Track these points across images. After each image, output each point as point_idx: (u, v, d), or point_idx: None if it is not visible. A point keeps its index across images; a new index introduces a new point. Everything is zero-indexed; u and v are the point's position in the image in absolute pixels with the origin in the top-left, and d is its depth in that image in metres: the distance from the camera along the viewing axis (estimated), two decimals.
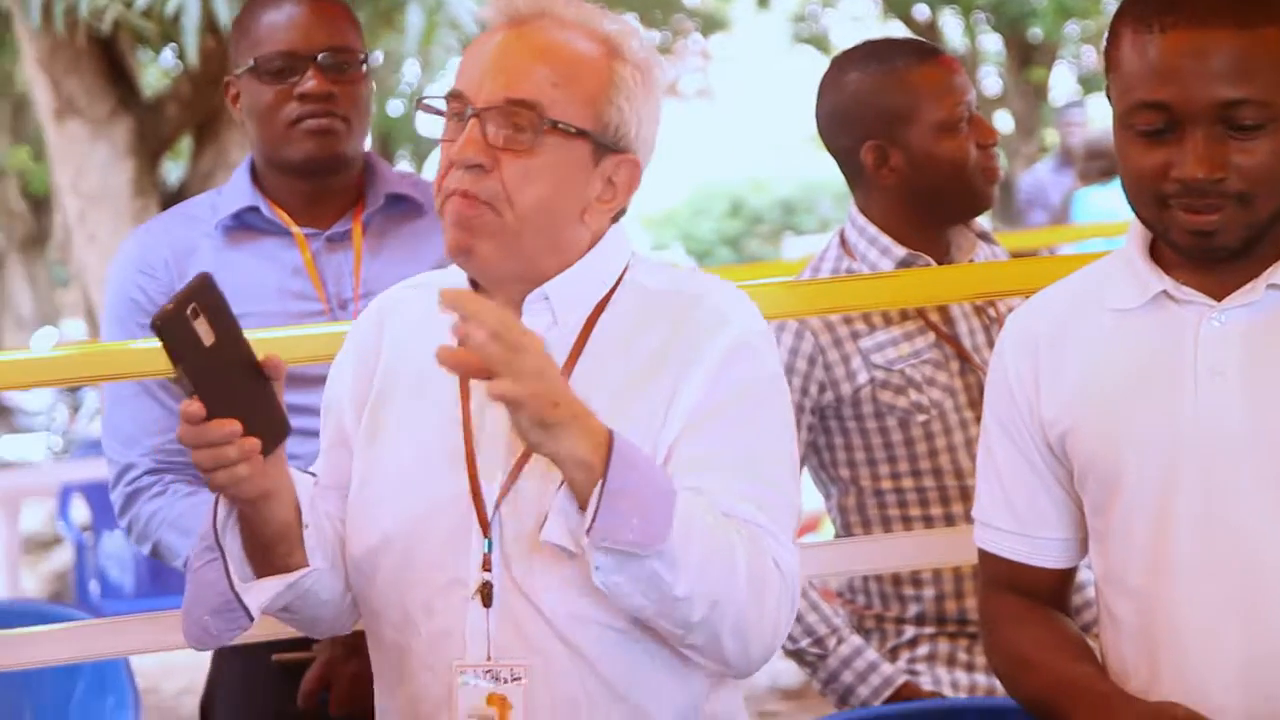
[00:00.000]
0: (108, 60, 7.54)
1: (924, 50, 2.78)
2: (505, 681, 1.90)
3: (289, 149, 2.59)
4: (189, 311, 1.76)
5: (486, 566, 1.92)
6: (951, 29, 16.80)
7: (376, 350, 2.07)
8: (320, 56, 2.58)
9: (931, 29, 15.74)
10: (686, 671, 1.95)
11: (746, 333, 1.96)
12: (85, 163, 7.55)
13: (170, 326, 1.74)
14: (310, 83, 2.56)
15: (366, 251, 2.65)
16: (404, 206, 2.69)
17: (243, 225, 2.65)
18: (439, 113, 1.96)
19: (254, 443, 1.80)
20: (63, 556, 8.37)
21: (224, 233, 2.64)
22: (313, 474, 2.05)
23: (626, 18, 2.00)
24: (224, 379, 1.79)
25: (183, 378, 1.76)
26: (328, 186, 2.64)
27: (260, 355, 1.84)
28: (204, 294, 1.78)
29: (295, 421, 2.63)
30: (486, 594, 1.92)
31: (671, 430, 1.91)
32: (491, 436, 1.94)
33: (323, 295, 2.62)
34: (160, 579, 5.86)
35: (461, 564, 1.93)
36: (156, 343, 2.54)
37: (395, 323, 2.08)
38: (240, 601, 1.89)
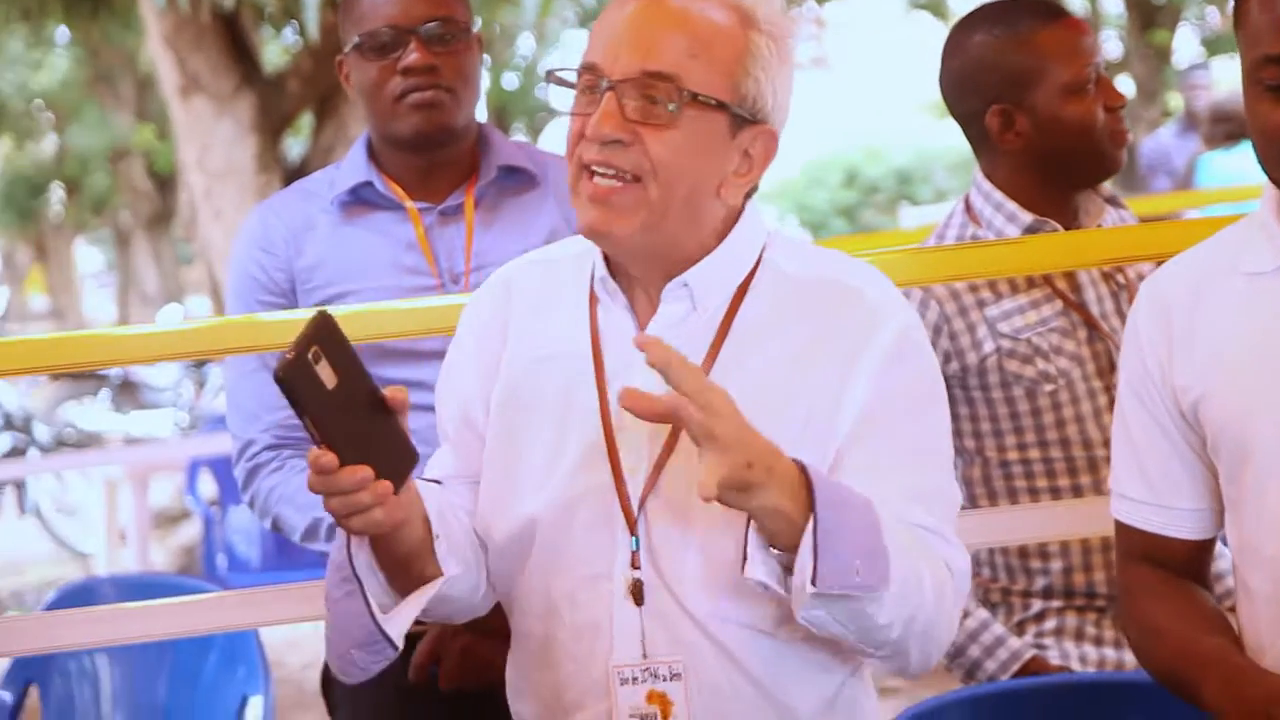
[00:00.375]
0: (231, 37, 7.64)
1: (1050, 11, 2.73)
2: (664, 679, 1.90)
3: (396, 124, 2.60)
4: (310, 356, 1.73)
5: (635, 564, 1.91)
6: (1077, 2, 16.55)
7: (501, 333, 2.04)
8: (422, 29, 2.57)
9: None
10: (829, 664, 1.95)
11: (906, 327, 1.93)
12: (210, 139, 7.65)
13: (294, 376, 1.71)
14: (413, 56, 2.56)
15: (479, 224, 2.65)
16: (517, 178, 2.68)
17: (358, 200, 2.66)
18: (569, 85, 1.92)
19: (386, 486, 1.77)
20: (191, 531, 8.53)
21: (340, 208, 2.66)
22: (436, 481, 2.04)
23: None
24: (350, 420, 1.76)
25: (310, 427, 1.73)
26: (440, 160, 2.65)
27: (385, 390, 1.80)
28: (324, 334, 1.75)
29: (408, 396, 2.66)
30: (638, 592, 1.91)
31: (839, 432, 1.88)
32: (633, 428, 1.90)
33: (435, 270, 2.62)
34: (286, 553, 5.93)
35: (606, 559, 1.92)
36: (276, 316, 2.58)
37: (518, 302, 2.05)
38: (383, 633, 1.88)
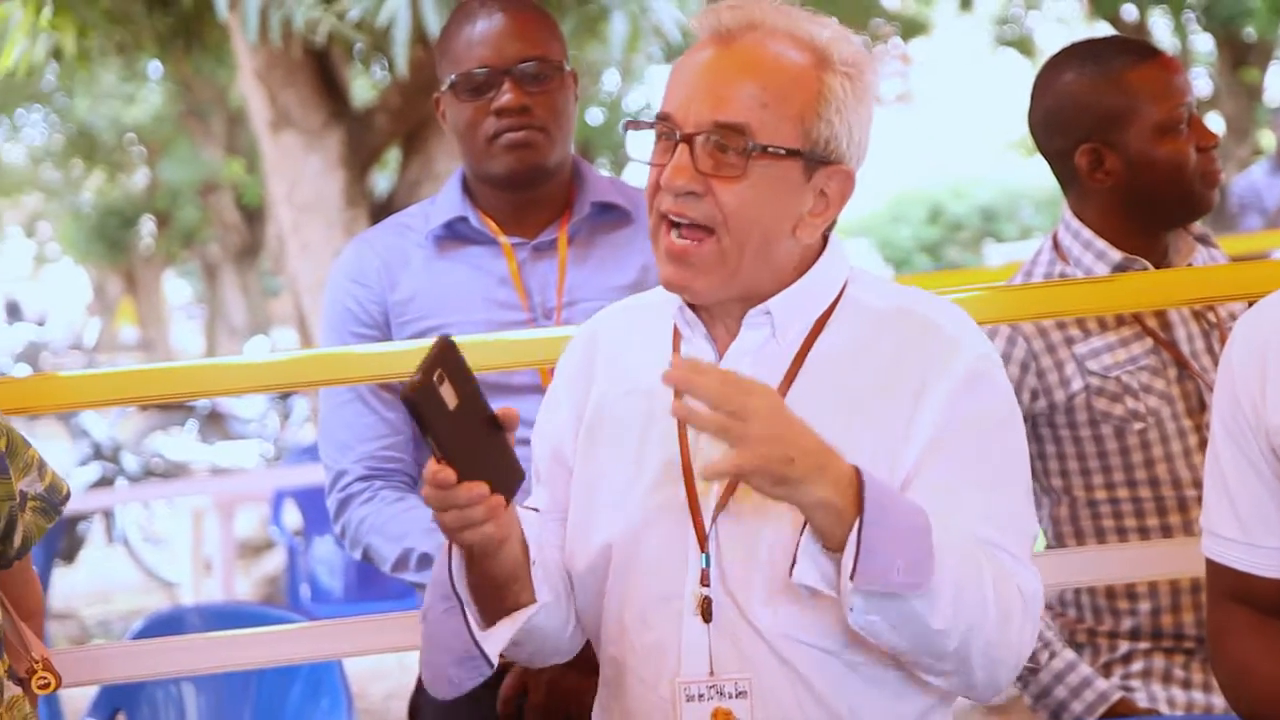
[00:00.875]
0: (321, 73, 7.72)
1: (1143, 50, 2.71)
2: (730, 696, 1.90)
3: (491, 164, 2.62)
4: (435, 378, 1.79)
5: (705, 582, 1.92)
6: (1160, 29, 16.42)
7: (588, 377, 2.08)
8: (516, 69, 2.59)
9: (1140, 29, 15.40)
10: (902, 691, 1.93)
11: (981, 359, 1.94)
12: (299, 174, 7.73)
13: (421, 398, 1.77)
14: (506, 96, 2.58)
15: (571, 260, 2.66)
16: (611, 214, 2.70)
17: (453, 235, 2.68)
18: (648, 126, 1.96)
19: (499, 501, 1.82)
20: (275, 560, 8.57)
21: (435, 242, 2.68)
22: (534, 509, 2.07)
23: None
24: (468, 439, 1.82)
25: (433, 445, 1.79)
26: (534, 197, 2.67)
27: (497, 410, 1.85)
28: (446, 358, 1.81)
29: None
30: (706, 609, 1.91)
31: (908, 458, 1.89)
32: (708, 447, 1.92)
33: (526, 305, 2.64)
34: (369, 583, 5.96)
35: (678, 577, 1.94)
36: (365, 349, 2.60)
37: (605, 346, 2.09)
38: (480, 649, 1.92)
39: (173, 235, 19.69)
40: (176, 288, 27.63)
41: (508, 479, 1.86)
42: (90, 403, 2.78)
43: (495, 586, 1.93)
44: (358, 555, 2.68)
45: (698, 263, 1.91)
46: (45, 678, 2.19)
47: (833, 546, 1.77)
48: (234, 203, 17.07)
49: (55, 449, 10.37)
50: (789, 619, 1.89)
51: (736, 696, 1.90)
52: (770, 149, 1.89)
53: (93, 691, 3.32)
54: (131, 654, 2.85)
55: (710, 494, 1.93)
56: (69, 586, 8.85)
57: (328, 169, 7.74)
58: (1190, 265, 2.71)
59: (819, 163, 1.92)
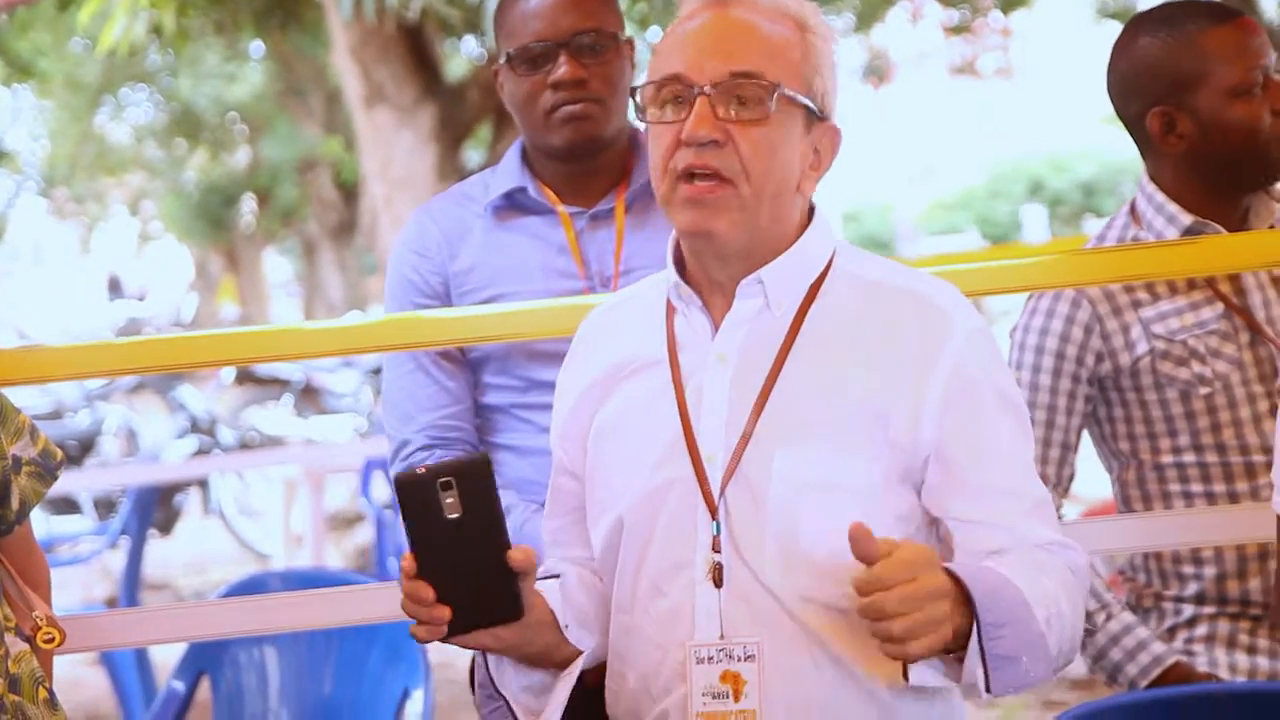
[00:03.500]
0: (414, 48, 7.79)
1: (1220, 13, 2.68)
2: (739, 660, 1.94)
3: (549, 136, 2.64)
4: (439, 484, 1.84)
5: (716, 548, 1.96)
6: (1268, 2, 16.14)
7: (584, 376, 2.13)
8: (571, 41, 2.61)
9: (1246, 3, 15.15)
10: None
11: (974, 331, 1.98)
12: (392, 149, 7.80)
13: (410, 488, 1.83)
14: (562, 69, 2.59)
15: (629, 228, 2.68)
16: None
17: (512, 205, 2.71)
18: (658, 85, 1.98)
19: (440, 614, 1.87)
20: (365, 533, 8.67)
21: (494, 212, 2.71)
22: (554, 576, 2.11)
23: None
24: (456, 552, 1.86)
25: (408, 537, 1.85)
26: (591, 167, 2.68)
27: (516, 551, 1.90)
28: (470, 473, 1.86)
29: (547, 398, 2.71)
30: (718, 575, 1.95)
31: (924, 440, 1.94)
32: (710, 419, 1.98)
33: (584, 273, 2.66)
34: None
35: (688, 545, 1.97)
36: (434, 314, 2.64)
37: (595, 343, 2.15)
38: None
39: (272, 213, 19.92)
40: (277, 265, 27.93)
41: (490, 615, 1.90)
42: (70, 375, 2.83)
43: (532, 659, 2.02)
44: None
45: (716, 205, 1.95)
46: (50, 633, 2.23)
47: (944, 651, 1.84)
48: (331, 180, 17.24)
49: (152, 422, 10.56)
50: (801, 580, 1.93)
51: (745, 660, 1.93)
52: (787, 93, 1.95)
53: (178, 654, 3.39)
54: (217, 612, 2.90)
55: (716, 463, 1.97)
56: (165, 557, 9.01)
57: (420, 144, 7.82)
58: (1273, 229, 2.68)
59: (817, 117, 2.00)
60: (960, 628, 1.80)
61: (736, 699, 1.93)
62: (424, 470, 1.82)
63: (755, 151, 1.94)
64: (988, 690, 1.81)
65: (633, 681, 2.03)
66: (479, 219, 2.72)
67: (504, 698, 2.00)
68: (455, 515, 1.84)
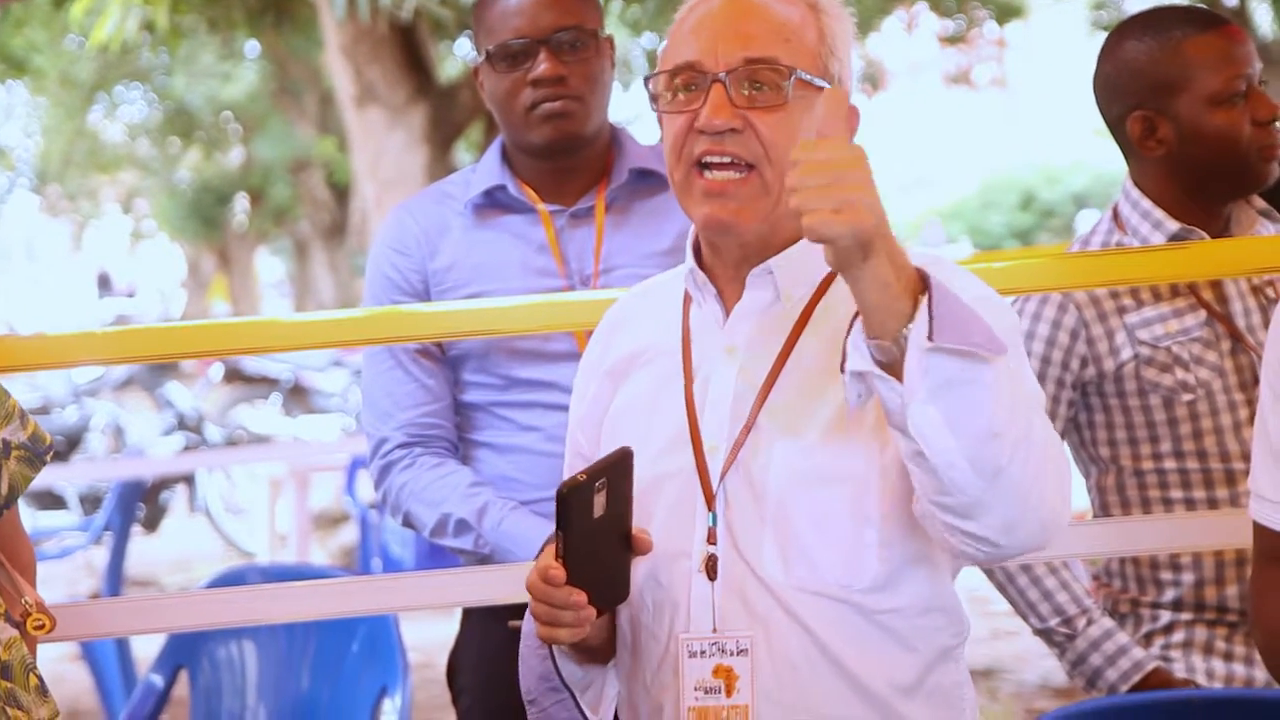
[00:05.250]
0: (407, 48, 7.78)
1: (1207, 20, 2.68)
2: (731, 654, 1.91)
3: (528, 134, 2.63)
4: (597, 485, 1.82)
5: (711, 540, 1.93)
6: (1261, 15, 16.17)
7: (604, 361, 2.10)
8: (551, 39, 2.60)
9: (1240, 16, 15.18)
10: (912, 641, 1.93)
11: (982, 296, 1.90)
12: (383, 149, 7.80)
13: (574, 497, 1.80)
14: (542, 67, 2.59)
15: (609, 226, 2.67)
16: (649, 181, 2.70)
17: (492, 203, 2.70)
18: (671, 73, 1.95)
19: (589, 615, 1.85)
20: (351, 533, 8.67)
21: (474, 210, 2.70)
22: None
23: None
24: (595, 547, 1.85)
25: (560, 543, 1.82)
26: (572, 164, 2.68)
27: (637, 530, 1.90)
28: (617, 470, 1.85)
29: (533, 395, 2.69)
30: (711, 567, 1.93)
31: None
32: (714, 410, 1.95)
33: (564, 271, 2.65)
34: (439, 555, 6.00)
35: (686, 536, 1.95)
36: (413, 308, 2.63)
37: (619, 326, 2.12)
38: None
39: (265, 213, 19.92)
40: (269, 265, 27.93)
41: (611, 595, 1.91)
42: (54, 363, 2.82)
43: (588, 651, 2.01)
44: (399, 521, 2.71)
45: (740, 196, 1.92)
46: (40, 619, 2.21)
47: (887, 336, 1.71)
48: (324, 181, 17.24)
49: (140, 419, 10.55)
50: (797, 571, 1.90)
51: (737, 654, 1.91)
52: (804, 76, 1.92)
53: (156, 649, 3.39)
54: (194, 604, 2.88)
55: (718, 454, 1.95)
56: (150, 554, 9.00)
57: (411, 144, 7.81)
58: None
59: None
60: (901, 311, 1.69)
61: (729, 694, 1.91)
62: (584, 476, 1.80)
63: (775, 134, 1.90)
64: (930, 336, 1.66)
65: (635, 675, 2.02)
66: (459, 217, 2.71)
67: (570, 690, 1.97)
68: (601, 513, 1.83)
